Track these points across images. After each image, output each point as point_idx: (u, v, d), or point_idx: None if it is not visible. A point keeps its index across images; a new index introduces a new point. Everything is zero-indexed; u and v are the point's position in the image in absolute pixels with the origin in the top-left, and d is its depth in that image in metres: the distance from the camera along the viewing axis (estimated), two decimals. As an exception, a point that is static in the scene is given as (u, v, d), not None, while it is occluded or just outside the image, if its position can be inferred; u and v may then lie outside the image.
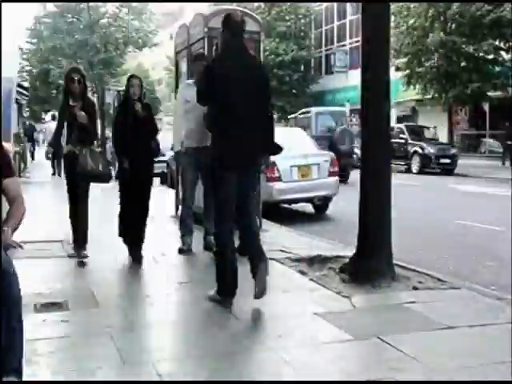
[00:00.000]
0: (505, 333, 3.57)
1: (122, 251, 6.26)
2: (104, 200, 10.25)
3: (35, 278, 4.75)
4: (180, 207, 6.84)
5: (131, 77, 6.01)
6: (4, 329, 2.50)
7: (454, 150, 20.13)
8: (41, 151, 26.77)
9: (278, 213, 9.26)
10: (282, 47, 32.34)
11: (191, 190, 6.16)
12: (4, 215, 2.82)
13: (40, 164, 23.74)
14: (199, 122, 5.59)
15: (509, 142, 20.63)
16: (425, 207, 10.96)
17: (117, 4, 25.25)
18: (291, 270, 5.29)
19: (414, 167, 19.86)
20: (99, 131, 18.19)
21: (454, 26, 21.56)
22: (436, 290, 4.60)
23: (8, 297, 2.52)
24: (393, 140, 15.28)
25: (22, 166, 16.89)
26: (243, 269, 5.46)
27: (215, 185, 4.19)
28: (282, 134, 11.01)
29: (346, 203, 9.71)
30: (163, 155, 14.88)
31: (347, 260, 5.20)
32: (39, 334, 3.51)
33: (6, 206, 2.86)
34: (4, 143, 2.94)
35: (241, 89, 4.03)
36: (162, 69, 47.65)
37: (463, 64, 21.47)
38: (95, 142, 6.09)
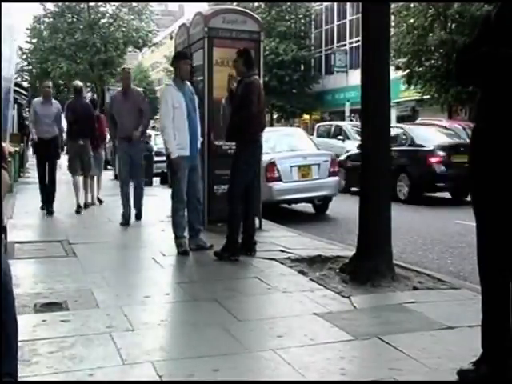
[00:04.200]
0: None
1: (122, 251, 6.26)
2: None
3: (35, 277, 4.74)
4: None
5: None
6: None
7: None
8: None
9: (277, 213, 9.26)
10: (282, 47, 32.36)
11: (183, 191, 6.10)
12: (4, 217, 2.79)
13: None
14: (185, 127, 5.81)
15: None
16: (424, 207, 10.96)
17: (117, 4, 25.27)
18: (291, 269, 5.29)
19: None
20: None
21: (454, 25, 21.56)
22: (436, 290, 4.59)
23: (4, 298, 2.45)
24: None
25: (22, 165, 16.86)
26: (244, 270, 5.47)
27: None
28: (281, 133, 11.11)
29: (346, 203, 9.73)
30: (163, 155, 14.88)
31: (347, 260, 5.20)
32: (39, 334, 3.51)
33: (5, 205, 2.85)
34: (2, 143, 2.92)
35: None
36: (161, 69, 47.57)
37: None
38: None
